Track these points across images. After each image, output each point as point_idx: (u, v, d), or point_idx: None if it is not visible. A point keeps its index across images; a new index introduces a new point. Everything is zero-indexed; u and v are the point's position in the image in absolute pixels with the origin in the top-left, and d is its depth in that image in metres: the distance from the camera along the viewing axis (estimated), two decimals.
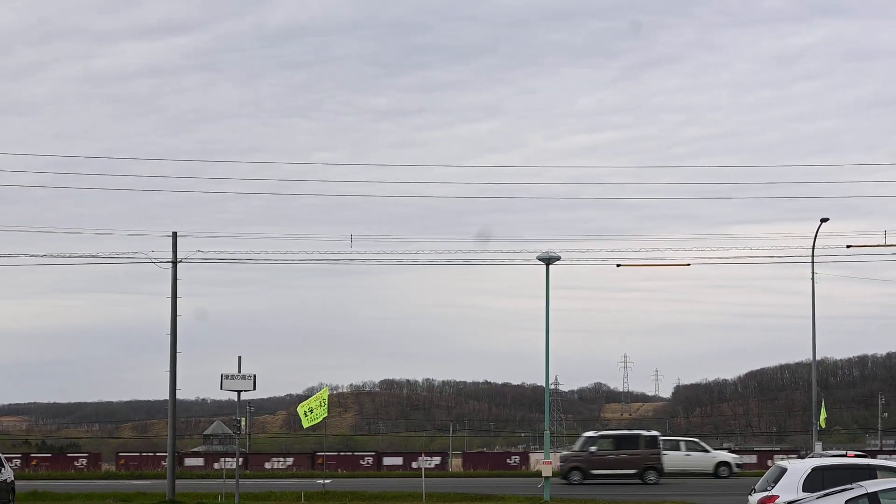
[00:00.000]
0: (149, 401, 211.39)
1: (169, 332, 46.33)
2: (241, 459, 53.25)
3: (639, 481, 57.62)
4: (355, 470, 77.25)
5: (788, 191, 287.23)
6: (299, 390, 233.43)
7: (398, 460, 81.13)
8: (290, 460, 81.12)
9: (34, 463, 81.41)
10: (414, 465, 74.46)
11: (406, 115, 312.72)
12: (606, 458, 59.04)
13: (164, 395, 48.00)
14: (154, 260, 46.72)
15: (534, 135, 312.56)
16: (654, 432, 61.95)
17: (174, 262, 46.50)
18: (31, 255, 48.77)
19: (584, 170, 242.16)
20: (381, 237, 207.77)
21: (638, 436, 60.67)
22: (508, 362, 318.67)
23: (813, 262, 55.15)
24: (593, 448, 59.46)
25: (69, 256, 48.78)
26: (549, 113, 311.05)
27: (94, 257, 50.32)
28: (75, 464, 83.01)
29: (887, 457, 61.09)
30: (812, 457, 41.35)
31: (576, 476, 58.34)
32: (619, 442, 60.48)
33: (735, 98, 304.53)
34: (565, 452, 64.25)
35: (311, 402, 46.27)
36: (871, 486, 19.51)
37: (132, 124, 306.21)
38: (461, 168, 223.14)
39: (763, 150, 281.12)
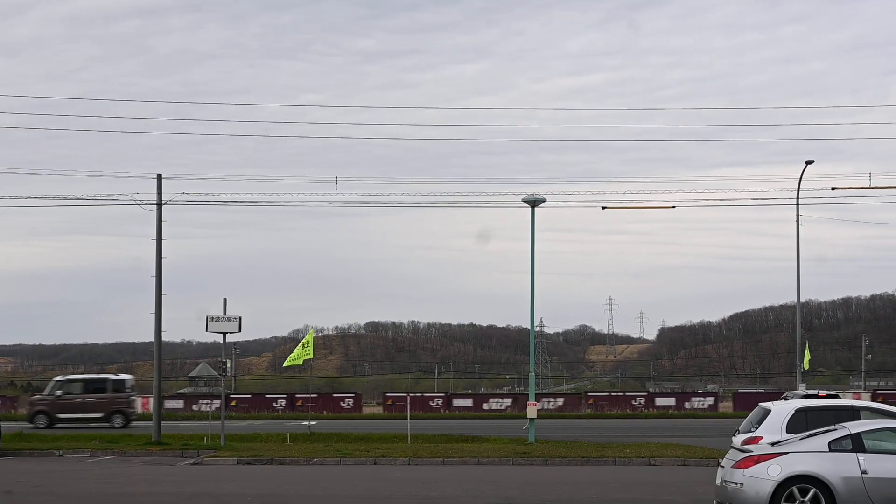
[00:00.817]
0: (134, 343, 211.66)
1: (154, 274, 46.27)
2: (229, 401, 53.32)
3: (107, 425, 57.58)
4: (339, 412, 77.39)
5: (774, 133, 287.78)
6: (285, 332, 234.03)
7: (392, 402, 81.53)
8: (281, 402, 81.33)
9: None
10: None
11: (394, 57, 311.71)
12: (73, 402, 58.83)
13: (150, 337, 48.00)
14: (139, 202, 46.59)
15: (521, 77, 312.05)
16: (125, 376, 61.87)
17: (159, 204, 46.35)
18: (16, 198, 48.54)
19: (572, 112, 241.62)
20: (367, 179, 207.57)
21: (105, 380, 60.70)
22: (494, 305, 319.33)
23: (798, 204, 55.19)
24: (60, 392, 59.26)
25: (53, 198, 48.58)
26: (538, 55, 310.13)
27: (78, 199, 50.13)
28: None
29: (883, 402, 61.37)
30: (787, 397, 41.64)
31: (42, 420, 58.12)
32: (87, 386, 60.14)
33: (723, 40, 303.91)
34: (35, 396, 63.74)
35: (299, 349, 46.41)
36: (854, 426, 19.60)
37: (118, 65, 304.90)
38: (449, 110, 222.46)
39: (750, 93, 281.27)
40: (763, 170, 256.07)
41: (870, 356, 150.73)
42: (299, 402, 76.96)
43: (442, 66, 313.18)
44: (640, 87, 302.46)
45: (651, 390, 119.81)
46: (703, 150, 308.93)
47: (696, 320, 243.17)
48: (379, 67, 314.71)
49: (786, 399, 36.42)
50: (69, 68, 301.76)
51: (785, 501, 18.70)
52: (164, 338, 47.56)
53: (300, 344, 46.73)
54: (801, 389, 53.63)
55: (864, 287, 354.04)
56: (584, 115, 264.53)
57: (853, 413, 24.02)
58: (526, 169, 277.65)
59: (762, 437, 23.31)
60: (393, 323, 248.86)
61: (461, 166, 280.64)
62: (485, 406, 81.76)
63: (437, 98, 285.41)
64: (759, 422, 24.90)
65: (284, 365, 49.32)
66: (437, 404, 79.77)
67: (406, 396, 72.97)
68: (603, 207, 56.68)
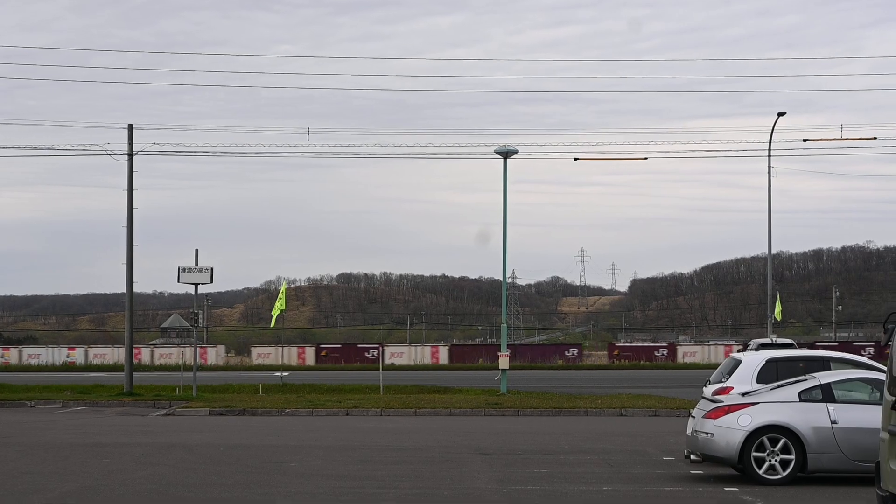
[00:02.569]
0: (106, 294, 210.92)
1: (126, 225, 46.11)
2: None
3: None
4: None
5: (750, 85, 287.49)
6: (257, 284, 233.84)
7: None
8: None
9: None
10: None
11: (367, 9, 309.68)
12: None
13: (122, 288, 47.90)
14: (110, 152, 46.39)
15: (497, 29, 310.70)
16: None
17: (130, 155, 46.14)
18: None
19: (547, 64, 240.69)
20: (341, 130, 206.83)
21: None
22: (466, 256, 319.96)
23: (770, 155, 55.20)
24: None
25: (23, 148, 48.44)
26: (513, 6, 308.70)
27: (49, 149, 49.96)
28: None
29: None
30: (750, 346, 42.00)
31: None
32: None
33: None
34: None
35: (277, 302, 46.55)
36: (823, 377, 19.70)
37: (92, 16, 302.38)
38: (423, 61, 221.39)
39: (726, 45, 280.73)
40: (738, 121, 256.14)
41: (840, 307, 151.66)
42: (324, 353, 77.89)
43: (416, 18, 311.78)
44: (616, 39, 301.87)
45: (623, 342, 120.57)
46: (678, 102, 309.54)
47: (667, 272, 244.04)
48: (352, 19, 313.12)
49: (747, 347, 36.67)
50: (43, 18, 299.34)
51: (755, 451, 18.80)
52: (136, 289, 47.52)
53: (278, 298, 46.88)
54: (768, 339, 53.95)
55: (835, 239, 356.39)
56: (560, 66, 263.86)
57: (823, 363, 24.10)
58: (501, 120, 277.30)
59: (733, 388, 23.38)
60: (365, 274, 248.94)
61: (436, 118, 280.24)
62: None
63: (411, 50, 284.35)
64: (730, 372, 24.98)
65: (271, 325, 49.55)
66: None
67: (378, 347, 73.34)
68: (575, 159, 56.81)
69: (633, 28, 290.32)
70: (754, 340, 44.96)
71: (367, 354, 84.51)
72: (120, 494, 17.52)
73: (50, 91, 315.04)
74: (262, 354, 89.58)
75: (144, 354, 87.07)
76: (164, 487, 18.37)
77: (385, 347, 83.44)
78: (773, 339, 40.32)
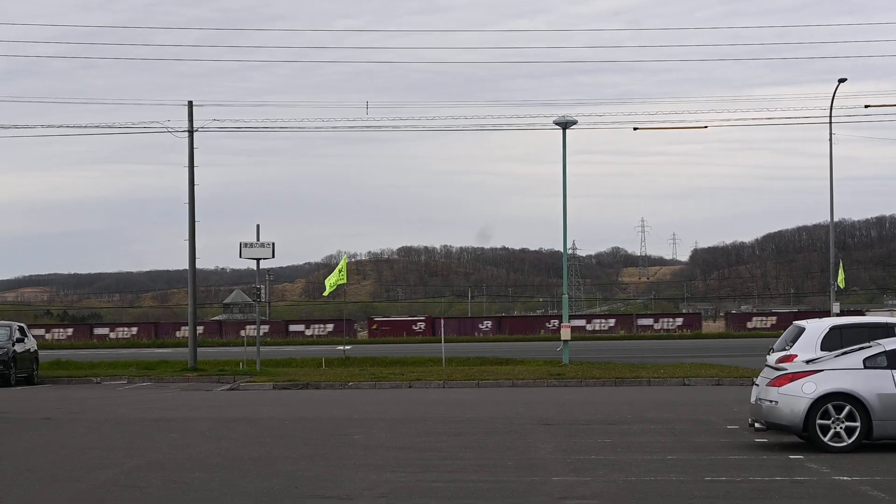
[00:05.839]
0: (168, 271, 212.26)
1: (187, 201, 46.40)
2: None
3: None
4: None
5: (810, 52, 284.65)
6: (318, 258, 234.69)
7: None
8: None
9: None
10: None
11: None
12: None
13: (184, 265, 48.28)
14: (170, 129, 46.70)
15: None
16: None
17: (190, 132, 46.42)
18: (48, 126, 48.82)
19: (609, 34, 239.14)
20: (399, 104, 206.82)
21: None
22: (526, 228, 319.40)
23: (831, 122, 54.74)
24: None
25: (85, 127, 48.96)
26: None
27: (110, 127, 50.39)
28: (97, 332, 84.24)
29: None
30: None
31: None
32: None
33: None
34: None
35: (335, 274, 46.68)
36: (888, 343, 19.54)
37: None
38: (483, 33, 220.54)
39: (788, 13, 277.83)
40: (799, 88, 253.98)
41: None
42: (374, 326, 78.99)
43: None
44: (677, 8, 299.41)
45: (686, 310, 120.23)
46: (740, 70, 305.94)
47: (728, 241, 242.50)
48: None
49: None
50: None
51: (820, 419, 18.70)
52: (198, 265, 47.85)
53: (336, 270, 46.99)
54: (835, 308, 53.60)
55: None
56: (621, 36, 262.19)
57: (888, 330, 23.96)
58: (561, 92, 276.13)
59: (797, 356, 23.29)
60: (425, 247, 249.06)
61: (497, 90, 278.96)
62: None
63: (472, 22, 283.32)
64: (794, 340, 24.89)
65: (325, 294, 49.75)
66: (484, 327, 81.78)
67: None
68: (635, 129, 56.74)
69: None
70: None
71: (414, 328, 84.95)
72: (187, 468, 17.68)
73: (115, 70, 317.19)
74: (321, 328, 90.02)
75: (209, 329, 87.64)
76: (230, 461, 18.52)
77: (439, 321, 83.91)
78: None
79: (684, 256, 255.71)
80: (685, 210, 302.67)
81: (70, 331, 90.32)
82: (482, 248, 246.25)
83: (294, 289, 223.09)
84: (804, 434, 18.99)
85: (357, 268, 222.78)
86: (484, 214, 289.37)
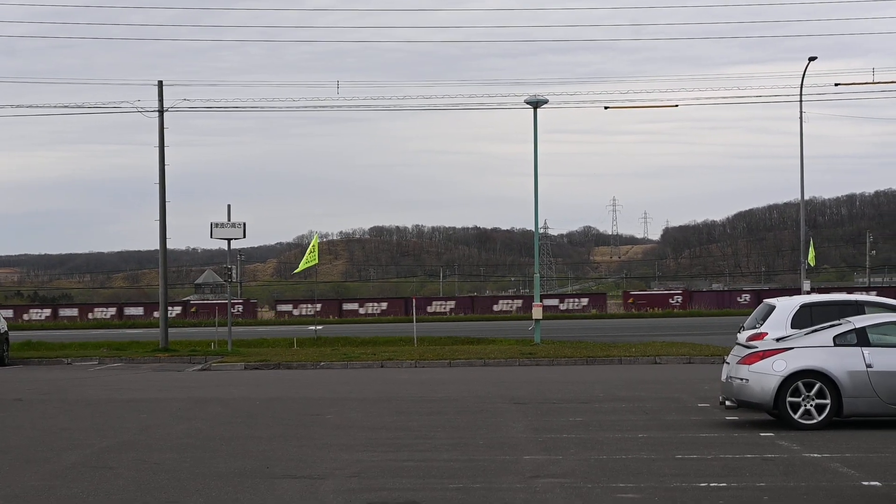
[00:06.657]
0: (139, 251, 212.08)
1: (158, 181, 46.25)
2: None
3: None
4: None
5: (783, 30, 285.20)
6: (289, 238, 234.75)
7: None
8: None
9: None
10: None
11: None
12: None
13: (155, 245, 48.14)
14: (140, 109, 46.52)
15: None
16: None
17: (160, 112, 46.23)
18: (17, 107, 48.47)
19: (581, 13, 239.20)
20: (370, 83, 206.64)
21: None
22: (498, 207, 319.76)
23: (801, 100, 54.90)
24: None
25: (55, 107, 48.53)
26: None
27: (79, 107, 50.07)
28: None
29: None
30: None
31: None
32: None
33: None
34: None
35: (307, 255, 46.63)
36: (858, 321, 19.62)
37: None
38: (456, 12, 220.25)
39: None
40: (770, 67, 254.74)
41: (874, 252, 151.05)
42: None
43: None
44: None
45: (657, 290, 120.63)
46: (712, 48, 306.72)
47: (700, 220, 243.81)
48: None
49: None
50: None
51: (790, 396, 18.77)
52: (170, 245, 47.73)
53: (308, 250, 46.95)
54: (806, 286, 53.83)
55: (868, 184, 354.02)
56: (594, 14, 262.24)
57: (858, 308, 24.05)
58: (535, 71, 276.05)
59: (767, 333, 23.37)
60: (397, 227, 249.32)
61: (470, 69, 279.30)
62: (495, 307, 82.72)
63: (444, 1, 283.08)
64: (764, 318, 24.97)
65: (296, 272, 49.71)
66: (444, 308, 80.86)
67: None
68: (606, 107, 56.90)
69: None
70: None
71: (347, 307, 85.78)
72: (158, 449, 17.66)
73: (86, 50, 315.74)
74: (295, 308, 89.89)
75: (178, 310, 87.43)
76: (202, 441, 18.50)
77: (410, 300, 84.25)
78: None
79: (656, 235, 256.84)
80: (657, 189, 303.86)
81: (41, 312, 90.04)
82: (454, 228, 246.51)
83: (266, 269, 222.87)
84: (775, 412, 19.07)
85: (329, 248, 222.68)
86: (456, 193, 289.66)
